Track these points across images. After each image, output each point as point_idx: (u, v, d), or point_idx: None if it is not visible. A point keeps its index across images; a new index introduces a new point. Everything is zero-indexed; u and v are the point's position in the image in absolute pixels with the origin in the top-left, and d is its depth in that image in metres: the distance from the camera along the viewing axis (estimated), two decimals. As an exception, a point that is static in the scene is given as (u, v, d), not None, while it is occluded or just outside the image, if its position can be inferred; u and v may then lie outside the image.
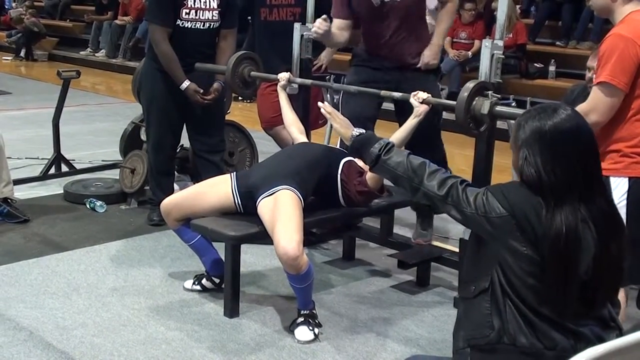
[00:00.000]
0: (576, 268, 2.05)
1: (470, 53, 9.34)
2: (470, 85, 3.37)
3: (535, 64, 9.25)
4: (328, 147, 4.12)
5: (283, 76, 4.30)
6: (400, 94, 3.89)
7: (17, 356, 3.21)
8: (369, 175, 3.78)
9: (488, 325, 2.15)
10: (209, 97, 4.71)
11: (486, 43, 3.57)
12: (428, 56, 4.46)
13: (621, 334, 2.22)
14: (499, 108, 3.35)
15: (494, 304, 2.14)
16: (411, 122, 3.69)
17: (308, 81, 4.40)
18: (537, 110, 2.17)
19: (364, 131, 2.72)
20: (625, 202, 2.92)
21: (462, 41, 9.52)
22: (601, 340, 2.12)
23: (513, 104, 4.19)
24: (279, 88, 4.30)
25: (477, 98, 3.37)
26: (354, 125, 2.84)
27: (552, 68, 9.15)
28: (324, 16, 4.31)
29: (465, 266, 2.35)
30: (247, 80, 4.52)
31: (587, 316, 2.13)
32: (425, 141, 4.22)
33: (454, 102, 3.43)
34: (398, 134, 3.72)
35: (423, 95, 3.68)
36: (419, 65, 4.47)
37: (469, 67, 9.19)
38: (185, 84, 4.64)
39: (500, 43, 3.56)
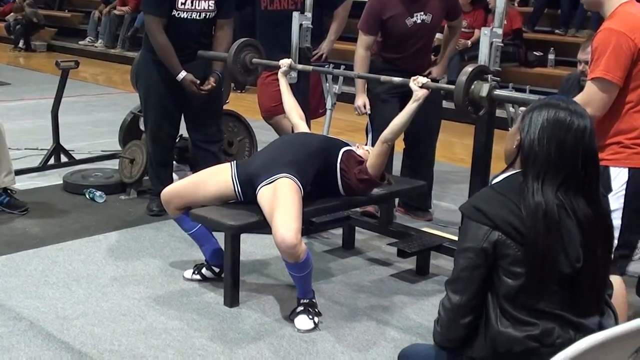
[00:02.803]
0: (556, 246, 2.05)
1: (469, 42, 9.31)
2: (469, 69, 3.36)
3: (535, 52, 9.23)
4: (327, 137, 4.12)
5: (284, 62, 4.30)
6: (400, 79, 3.93)
7: (17, 346, 3.22)
8: (369, 163, 3.78)
9: (483, 341, 2.16)
10: (206, 88, 4.70)
11: (485, 31, 3.57)
12: (436, 73, 5.03)
13: (616, 317, 2.23)
14: (497, 92, 3.34)
15: (487, 325, 2.15)
16: (411, 106, 3.70)
17: (309, 67, 4.41)
18: (558, 99, 2.18)
19: None
20: (623, 192, 2.94)
21: (462, 30, 9.47)
22: (602, 328, 2.12)
23: (512, 91, 4.19)
24: (279, 74, 4.31)
25: (475, 82, 3.37)
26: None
27: (551, 56, 9.13)
28: (367, 104, 4.80)
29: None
30: (248, 67, 4.53)
31: (592, 308, 2.14)
32: (426, 135, 4.97)
33: (453, 87, 3.43)
34: (399, 119, 3.74)
35: (422, 79, 3.72)
36: (425, 74, 4.80)
37: (468, 56, 9.16)
38: (182, 74, 4.63)
39: (499, 31, 3.56)
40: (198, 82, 4.66)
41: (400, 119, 3.74)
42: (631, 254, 3.10)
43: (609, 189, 2.92)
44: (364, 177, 3.77)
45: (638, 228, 3.04)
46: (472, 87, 3.37)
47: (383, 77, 4.08)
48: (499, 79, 3.46)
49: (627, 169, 2.94)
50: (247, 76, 4.64)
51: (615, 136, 2.97)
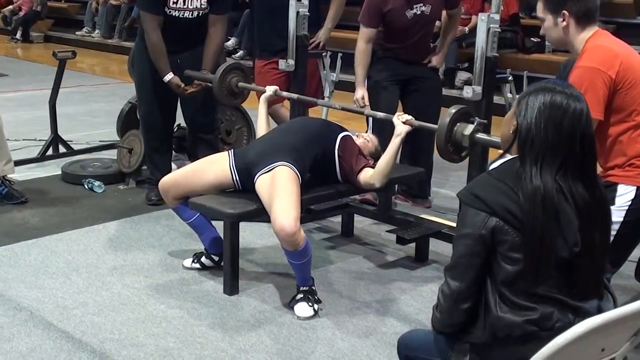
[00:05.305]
0: (553, 230, 2.04)
1: (467, 29, 9.29)
2: (452, 110, 3.29)
3: (532, 38, 9.21)
4: (325, 122, 4.11)
5: (270, 88, 4.26)
6: (383, 114, 3.95)
7: (17, 336, 3.23)
8: (360, 177, 3.76)
9: (482, 327, 2.16)
10: (193, 90, 4.70)
11: (482, 17, 3.55)
12: (436, 61, 5.04)
13: (615, 301, 2.23)
14: (480, 135, 3.25)
15: (486, 311, 2.15)
16: (394, 142, 3.68)
17: (295, 95, 4.35)
18: (553, 83, 2.17)
19: None
20: (626, 208, 2.96)
21: (459, 16, 9.45)
22: (601, 312, 2.12)
23: (510, 77, 4.17)
24: (261, 99, 4.25)
25: (458, 124, 3.31)
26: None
27: (548, 42, 9.10)
28: (366, 97, 4.78)
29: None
30: (234, 90, 4.49)
31: (591, 292, 2.14)
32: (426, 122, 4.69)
33: (436, 126, 3.38)
34: (384, 158, 3.71)
35: (407, 116, 3.70)
36: (425, 62, 5.00)
37: (466, 43, 9.15)
38: (168, 76, 4.64)
39: (497, 17, 3.54)
40: (183, 85, 4.67)
41: (385, 159, 3.69)
42: (616, 268, 3.11)
43: (612, 203, 2.93)
44: (354, 181, 3.78)
45: (629, 244, 3.10)
46: (455, 129, 3.30)
47: (367, 111, 4.16)
48: (485, 121, 3.41)
49: (635, 188, 2.97)
50: (233, 99, 4.59)
51: (629, 160, 3.01)
